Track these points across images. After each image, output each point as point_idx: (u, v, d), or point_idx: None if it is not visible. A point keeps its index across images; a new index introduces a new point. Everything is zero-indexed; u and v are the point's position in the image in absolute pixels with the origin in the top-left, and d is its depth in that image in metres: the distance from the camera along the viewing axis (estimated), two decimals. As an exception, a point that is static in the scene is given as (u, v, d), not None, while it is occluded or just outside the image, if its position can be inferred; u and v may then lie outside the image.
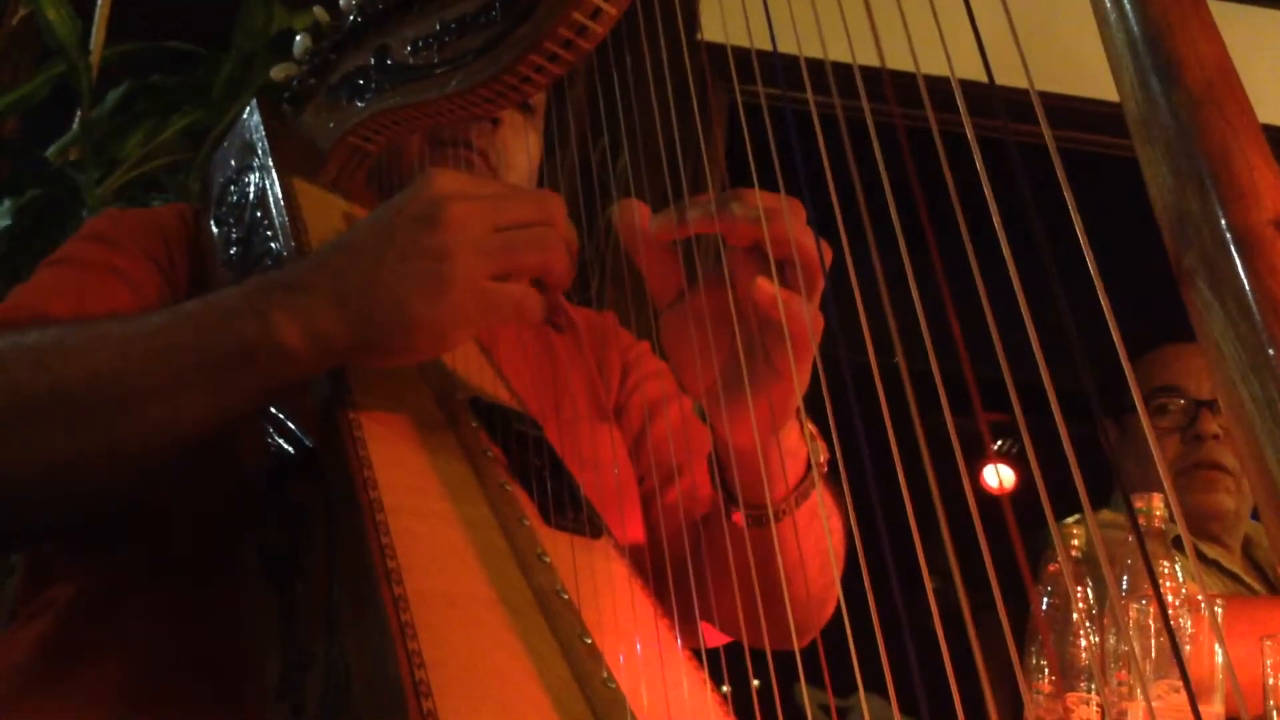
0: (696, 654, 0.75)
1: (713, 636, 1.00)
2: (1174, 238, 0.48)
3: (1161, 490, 1.19)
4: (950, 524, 0.52)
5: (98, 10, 2.02)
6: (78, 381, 0.72)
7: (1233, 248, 0.45)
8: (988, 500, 0.50)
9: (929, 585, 0.53)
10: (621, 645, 0.71)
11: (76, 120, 1.89)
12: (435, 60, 0.89)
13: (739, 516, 0.85)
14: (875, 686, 0.55)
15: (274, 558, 0.72)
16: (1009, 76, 0.57)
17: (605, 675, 0.67)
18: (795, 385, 0.75)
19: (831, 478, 0.89)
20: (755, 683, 0.67)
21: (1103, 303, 0.48)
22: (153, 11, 2.17)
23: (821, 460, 0.86)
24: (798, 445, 0.84)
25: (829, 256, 0.73)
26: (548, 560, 0.73)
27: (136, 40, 2.01)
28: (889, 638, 0.56)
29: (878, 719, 0.55)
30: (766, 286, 0.72)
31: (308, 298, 0.71)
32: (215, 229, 0.96)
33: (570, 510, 0.80)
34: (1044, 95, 0.53)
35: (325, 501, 0.70)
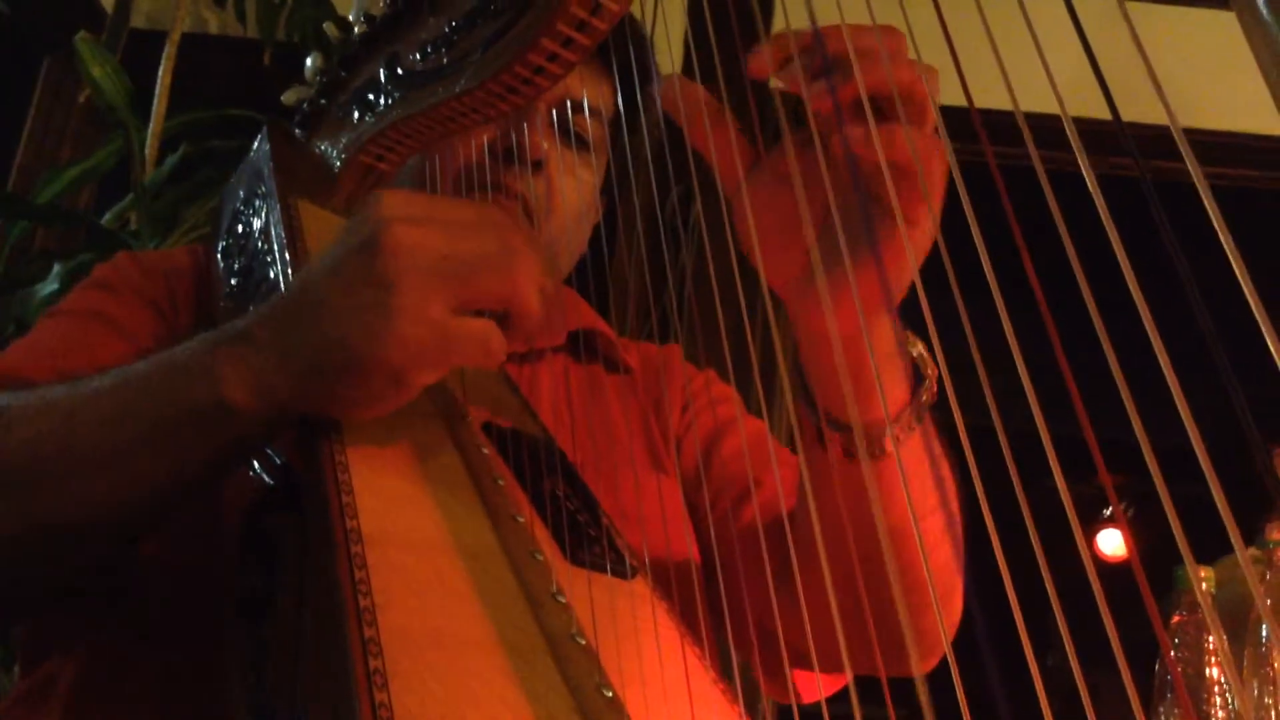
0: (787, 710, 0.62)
1: (809, 688, 0.88)
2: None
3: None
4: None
5: (159, 80, 2.04)
6: (18, 454, 0.66)
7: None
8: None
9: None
10: (652, 702, 0.60)
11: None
12: (444, 62, 0.82)
13: (832, 447, 0.69)
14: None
15: (247, 601, 0.63)
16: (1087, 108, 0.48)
17: (627, 734, 0.56)
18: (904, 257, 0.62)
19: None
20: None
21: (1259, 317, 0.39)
22: (215, 82, 2.18)
23: (929, 378, 0.71)
24: (893, 351, 0.70)
25: (936, 87, 0.61)
26: (563, 600, 0.63)
27: (200, 110, 2.01)
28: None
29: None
30: (856, 126, 0.59)
31: (255, 352, 0.63)
32: (221, 262, 0.90)
33: (597, 546, 0.70)
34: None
35: (302, 533, 0.61)
